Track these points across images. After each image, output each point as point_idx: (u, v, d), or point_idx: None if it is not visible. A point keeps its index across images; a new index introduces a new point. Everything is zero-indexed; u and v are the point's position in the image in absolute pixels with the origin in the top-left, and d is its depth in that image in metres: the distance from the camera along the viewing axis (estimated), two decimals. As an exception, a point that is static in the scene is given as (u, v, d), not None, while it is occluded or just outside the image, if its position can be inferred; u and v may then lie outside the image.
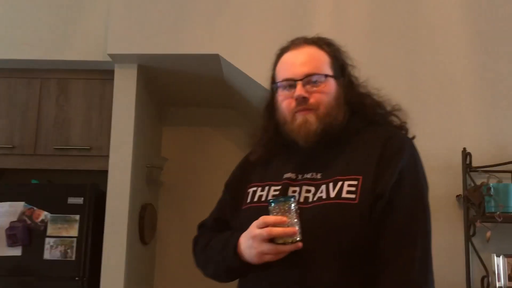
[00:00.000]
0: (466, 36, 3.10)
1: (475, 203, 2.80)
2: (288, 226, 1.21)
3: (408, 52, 3.12)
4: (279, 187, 1.34)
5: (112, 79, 3.40)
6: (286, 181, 1.34)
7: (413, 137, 1.40)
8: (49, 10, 3.45)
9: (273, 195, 1.33)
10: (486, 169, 2.86)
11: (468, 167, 2.89)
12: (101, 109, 3.47)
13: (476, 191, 2.80)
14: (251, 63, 3.11)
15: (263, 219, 1.22)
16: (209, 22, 3.24)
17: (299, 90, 1.33)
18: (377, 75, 3.16)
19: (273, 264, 1.24)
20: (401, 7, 3.18)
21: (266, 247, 1.21)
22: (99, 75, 3.49)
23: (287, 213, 1.22)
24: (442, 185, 2.93)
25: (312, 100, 1.33)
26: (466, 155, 2.90)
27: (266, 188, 1.36)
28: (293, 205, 1.23)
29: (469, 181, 2.89)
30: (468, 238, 2.84)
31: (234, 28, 3.23)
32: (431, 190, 2.98)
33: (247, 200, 1.39)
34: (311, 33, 3.19)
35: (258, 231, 1.22)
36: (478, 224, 2.77)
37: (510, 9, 3.12)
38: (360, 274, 1.22)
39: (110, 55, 3.28)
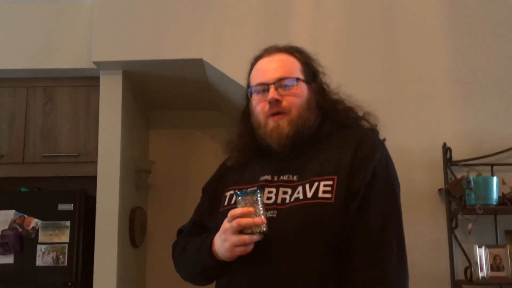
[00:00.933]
0: (442, 33, 3.17)
1: (456, 197, 2.87)
2: (255, 217, 1.25)
3: (385, 50, 3.18)
4: (255, 188, 1.38)
5: (98, 86, 3.43)
6: (262, 182, 1.39)
7: (384, 139, 1.45)
8: (33, 19, 3.48)
9: None
10: (466, 163, 2.94)
11: (448, 161, 2.97)
12: (88, 115, 3.51)
13: (457, 185, 2.87)
14: (234, 66, 3.17)
15: (231, 212, 1.26)
16: (192, 27, 3.28)
17: (272, 93, 1.38)
18: (356, 74, 3.27)
19: (248, 264, 1.28)
20: (377, 6, 3.25)
21: (236, 238, 1.24)
22: (85, 82, 3.53)
23: (254, 204, 1.26)
24: (424, 179, 3.00)
25: (284, 103, 1.39)
26: (446, 149, 2.98)
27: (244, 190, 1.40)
28: (259, 196, 1.27)
29: (450, 175, 2.96)
30: (451, 231, 2.92)
31: (216, 33, 3.28)
32: (414, 185, 3.08)
33: (224, 203, 1.44)
34: (290, 36, 3.27)
35: (228, 224, 1.27)
36: (460, 216, 2.84)
37: (484, 6, 3.19)
38: (336, 271, 1.26)
39: (95, 63, 3.32)
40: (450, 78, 3.12)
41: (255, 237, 1.25)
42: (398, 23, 3.22)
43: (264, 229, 1.25)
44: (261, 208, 1.26)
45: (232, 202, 1.40)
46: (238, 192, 1.29)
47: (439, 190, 2.97)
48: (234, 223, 1.25)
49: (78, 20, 3.47)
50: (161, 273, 4.03)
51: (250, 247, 1.26)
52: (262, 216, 1.25)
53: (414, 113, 3.09)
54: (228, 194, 1.44)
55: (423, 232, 2.95)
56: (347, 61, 3.20)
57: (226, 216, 1.31)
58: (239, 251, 1.26)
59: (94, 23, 3.33)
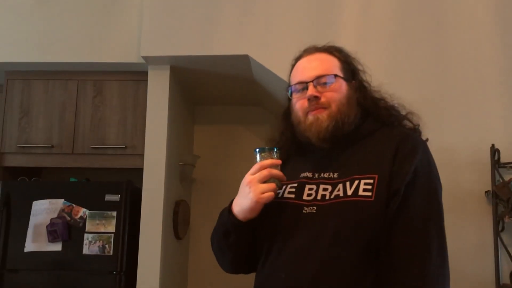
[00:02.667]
0: (492, 32, 3.10)
1: (503, 199, 2.82)
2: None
3: (434, 49, 3.14)
4: (295, 185, 1.40)
5: (146, 80, 3.50)
6: (302, 179, 1.41)
7: (427, 139, 1.44)
8: (85, 13, 3.57)
9: (289, 192, 1.40)
10: (514, 165, 2.88)
11: (496, 163, 2.91)
12: (136, 109, 3.59)
13: (504, 187, 2.82)
14: (279, 62, 3.16)
15: (260, 163, 1.35)
16: (239, 24, 3.31)
17: (311, 90, 1.40)
18: (404, 73, 3.23)
19: (287, 257, 1.30)
20: (426, 5, 3.20)
21: (265, 185, 1.32)
22: (133, 76, 3.61)
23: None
24: (471, 181, 2.95)
25: (323, 99, 1.39)
26: (494, 151, 2.92)
27: (283, 186, 1.42)
28: (276, 154, 1.37)
29: (497, 177, 2.90)
30: (497, 234, 2.86)
31: (263, 29, 3.30)
32: (460, 186, 3.02)
33: None
34: (337, 33, 3.25)
35: (256, 174, 1.33)
36: (506, 219, 2.78)
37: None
38: (374, 269, 1.26)
39: (144, 57, 3.39)
40: (499, 79, 3.05)
41: (277, 188, 1.35)
42: (447, 22, 3.16)
43: (281, 184, 1.37)
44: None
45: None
46: (259, 149, 1.38)
47: (486, 192, 2.92)
48: (266, 171, 1.33)
49: (128, 15, 3.54)
50: (202, 266, 4.09)
51: (273, 195, 1.33)
52: None
53: (463, 114, 3.04)
54: None
55: (469, 234, 2.90)
56: (394, 60, 3.17)
57: (266, 208, 1.36)
58: (266, 197, 1.32)
59: (144, 18, 3.40)
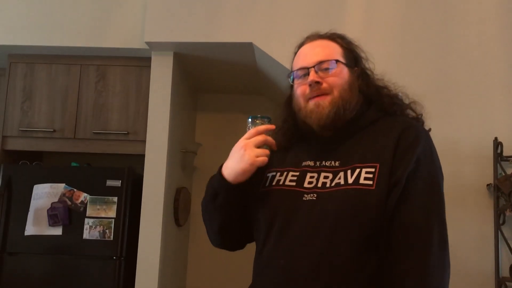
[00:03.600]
0: (497, 25, 3.08)
1: (505, 192, 2.81)
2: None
3: (441, 41, 3.12)
4: (297, 173, 1.40)
5: (149, 66, 3.49)
6: (304, 168, 1.40)
7: (429, 129, 1.43)
8: (89, -2, 3.56)
9: (291, 180, 1.39)
10: (517, 159, 2.87)
11: (499, 156, 2.90)
12: (139, 95, 3.58)
13: (506, 181, 2.81)
14: (283, 51, 3.13)
15: (256, 128, 1.39)
16: (243, 11, 3.30)
17: (312, 75, 1.38)
18: (408, 63, 3.21)
19: (287, 243, 1.30)
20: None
21: (260, 150, 1.36)
22: (137, 62, 3.60)
23: None
24: (473, 173, 2.94)
25: (325, 84, 1.38)
26: (497, 144, 2.91)
27: (285, 173, 1.42)
28: (269, 123, 1.42)
29: (499, 170, 2.89)
30: (497, 227, 2.86)
31: (267, 17, 3.28)
32: (462, 178, 3.01)
33: (265, 183, 1.45)
34: (342, 22, 3.22)
35: (252, 139, 1.37)
36: (507, 213, 2.78)
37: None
38: (375, 259, 1.26)
39: (147, 43, 3.37)
40: (504, 73, 3.04)
41: (269, 155, 1.38)
42: (454, 14, 3.14)
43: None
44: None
45: (274, 183, 1.42)
46: (252, 116, 1.43)
47: (488, 185, 2.91)
48: (261, 137, 1.37)
49: (132, 0, 3.52)
50: (202, 253, 4.10)
51: (266, 160, 1.36)
52: None
53: (466, 106, 3.03)
54: (270, 175, 1.45)
55: (469, 226, 2.90)
56: (400, 49, 3.15)
57: (266, 195, 1.38)
58: (260, 161, 1.35)
59: (148, 3, 3.38)
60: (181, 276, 4.04)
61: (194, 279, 4.16)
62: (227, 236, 1.50)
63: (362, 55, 1.50)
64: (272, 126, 1.40)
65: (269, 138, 1.38)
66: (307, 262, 1.27)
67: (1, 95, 3.71)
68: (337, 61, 1.41)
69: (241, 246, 1.55)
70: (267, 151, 1.37)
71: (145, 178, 3.37)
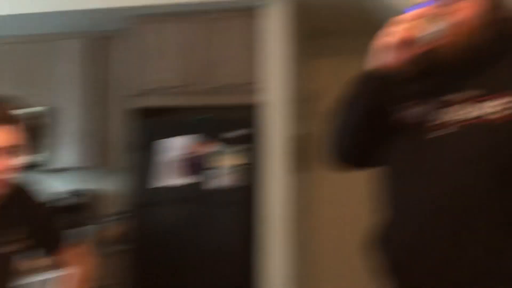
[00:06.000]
0: None
1: None
2: None
3: None
4: (426, 109, 1.34)
5: (264, 15, 3.50)
6: (435, 103, 1.33)
7: None
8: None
9: (418, 116, 1.34)
10: None
11: None
12: (254, 45, 3.59)
13: None
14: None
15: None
16: None
17: None
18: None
19: (419, 176, 1.29)
20: None
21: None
22: (250, 12, 3.58)
23: None
24: None
25: None
26: None
27: (415, 110, 1.36)
28: None
29: None
30: None
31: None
32: None
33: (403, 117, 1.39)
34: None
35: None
36: None
37: None
38: (508, 198, 1.20)
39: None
40: None
41: None
42: None
43: None
44: None
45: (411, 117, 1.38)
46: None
47: None
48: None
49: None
50: (325, 198, 4.17)
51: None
52: None
53: None
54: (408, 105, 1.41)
55: None
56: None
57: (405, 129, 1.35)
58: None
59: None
60: (306, 221, 4.15)
61: (319, 224, 4.26)
62: (359, 144, 1.47)
63: None
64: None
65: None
66: (439, 195, 1.25)
67: (124, 55, 3.90)
68: None
69: (372, 164, 1.48)
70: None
71: (266, 127, 3.47)
